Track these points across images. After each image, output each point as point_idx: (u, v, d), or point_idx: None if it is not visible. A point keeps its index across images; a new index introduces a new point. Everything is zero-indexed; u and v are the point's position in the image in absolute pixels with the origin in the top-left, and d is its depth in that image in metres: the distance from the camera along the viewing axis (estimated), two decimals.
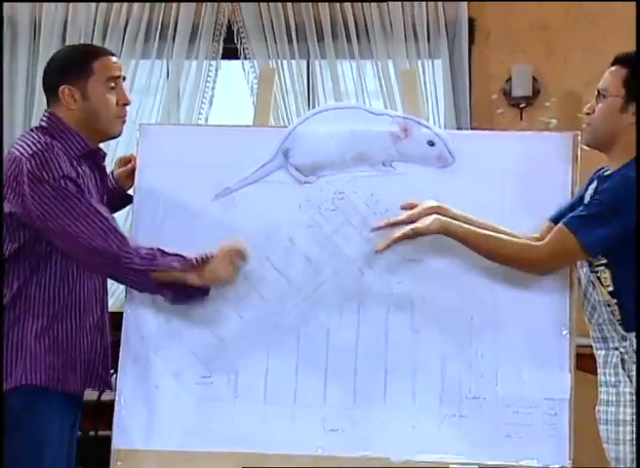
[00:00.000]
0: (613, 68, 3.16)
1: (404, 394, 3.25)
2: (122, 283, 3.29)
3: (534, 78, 5.86)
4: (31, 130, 3.24)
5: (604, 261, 3.07)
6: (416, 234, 3.14)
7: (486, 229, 3.16)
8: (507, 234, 3.17)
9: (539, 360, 3.24)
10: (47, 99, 3.30)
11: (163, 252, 3.13)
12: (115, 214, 3.36)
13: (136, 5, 5.86)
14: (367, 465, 3.20)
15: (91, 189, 3.21)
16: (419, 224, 3.13)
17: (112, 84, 3.25)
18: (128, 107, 3.33)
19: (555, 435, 3.20)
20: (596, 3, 5.73)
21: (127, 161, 3.51)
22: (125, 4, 5.86)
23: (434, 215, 3.14)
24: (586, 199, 3.16)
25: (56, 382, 3.15)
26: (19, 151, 3.12)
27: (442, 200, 3.28)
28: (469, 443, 3.21)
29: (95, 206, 3.09)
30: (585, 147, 3.29)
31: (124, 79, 3.34)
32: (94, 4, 5.85)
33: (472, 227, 3.15)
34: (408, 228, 3.13)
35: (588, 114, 3.18)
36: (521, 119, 5.85)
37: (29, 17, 5.89)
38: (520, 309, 3.27)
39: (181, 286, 3.14)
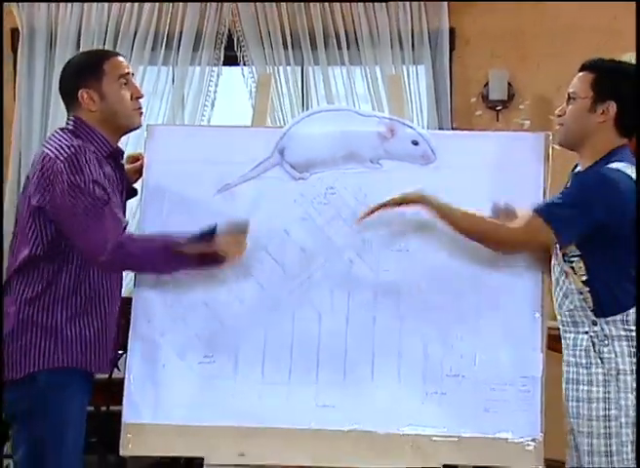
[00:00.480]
0: (581, 74, 3.17)
1: (390, 373, 3.26)
2: (141, 269, 3.27)
3: (509, 83, 5.85)
4: (62, 130, 3.23)
5: (578, 253, 3.07)
6: (395, 203, 3.15)
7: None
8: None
9: (513, 341, 3.25)
10: (66, 104, 3.30)
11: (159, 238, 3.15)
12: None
13: (144, 15, 5.84)
14: (356, 438, 3.21)
15: (114, 189, 3.21)
16: (396, 195, 3.14)
17: (124, 80, 3.25)
18: (141, 100, 3.32)
19: (528, 410, 3.21)
20: (567, 15, 5.72)
21: (135, 158, 3.51)
22: (134, 15, 5.84)
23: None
24: None
25: (82, 365, 3.15)
26: (52, 153, 3.11)
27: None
28: (450, 417, 3.22)
29: (114, 210, 3.07)
30: (557, 146, 3.30)
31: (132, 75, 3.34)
32: (105, 14, 5.84)
33: (450, 204, 3.13)
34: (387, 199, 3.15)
35: (560, 116, 3.19)
36: (497, 120, 5.84)
37: (46, 25, 5.86)
38: (497, 296, 3.29)
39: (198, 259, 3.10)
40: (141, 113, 3.32)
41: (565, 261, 3.11)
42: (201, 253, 3.07)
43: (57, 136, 3.20)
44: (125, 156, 3.43)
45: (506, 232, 3.09)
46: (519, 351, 3.25)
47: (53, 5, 5.85)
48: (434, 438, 3.21)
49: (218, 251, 3.08)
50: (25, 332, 3.11)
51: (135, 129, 3.36)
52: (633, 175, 3.05)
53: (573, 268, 3.09)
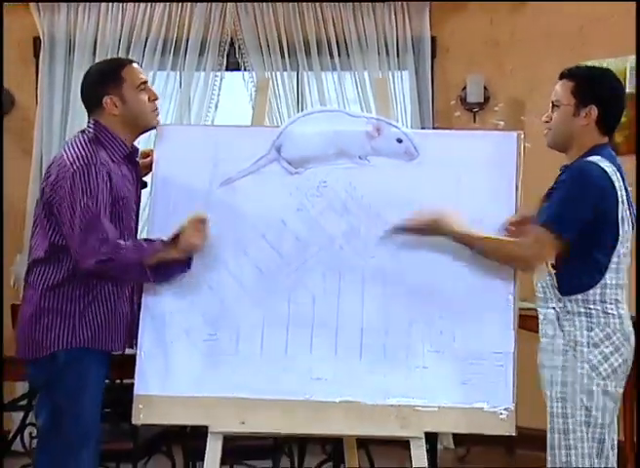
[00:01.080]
0: (561, 82, 3.19)
1: (377, 349, 3.25)
2: (118, 278, 3.21)
3: (485, 87, 5.86)
4: (82, 135, 3.24)
5: None
6: (414, 229, 3.22)
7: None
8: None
9: (488, 321, 3.25)
10: (88, 109, 3.31)
11: (146, 239, 3.18)
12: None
13: (154, 25, 5.85)
14: (346, 408, 3.21)
15: (130, 188, 3.25)
16: (413, 221, 3.20)
17: (142, 86, 3.27)
18: (157, 102, 3.34)
19: (502, 382, 3.21)
20: (538, 26, 5.72)
21: (147, 154, 3.50)
22: (145, 24, 5.84)
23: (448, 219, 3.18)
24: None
25: (97, 345, 3.18)
26: (69, 159, 3.13)
27: (407, 187, 3.31)
28: (431, 389, 3.22)
29: (104, 226, 3.08)
30: (528, 145, 3.32)
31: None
32: (119, 24, 5.83)
33: (470, 230, 3.17)
34: (412, 224, 3.21)
35: (547, 122, 3.21)
36: (474, 121, 5.85)
37: (65, 34, 5.86)
38: (474, 279, 3.28)
39: (164, 266, 3.17)
40: (158, 114, 3.35)
41: None
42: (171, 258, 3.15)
43: (77, 141, 3.21)
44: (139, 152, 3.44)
45: (520, 252, 3.12)
46: (493, 329, 3.24)
47: (71, 15, 5.85)
48: (417, 408, 3.20)
49: (183, 248, 3.15)
50: (47, 317, 3.15)
51: (152, 128, 3.38)
52: (607, 169, 3.07)
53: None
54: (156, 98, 3.32)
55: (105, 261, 3.07)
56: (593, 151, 3.13)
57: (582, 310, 3.08)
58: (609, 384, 3.07)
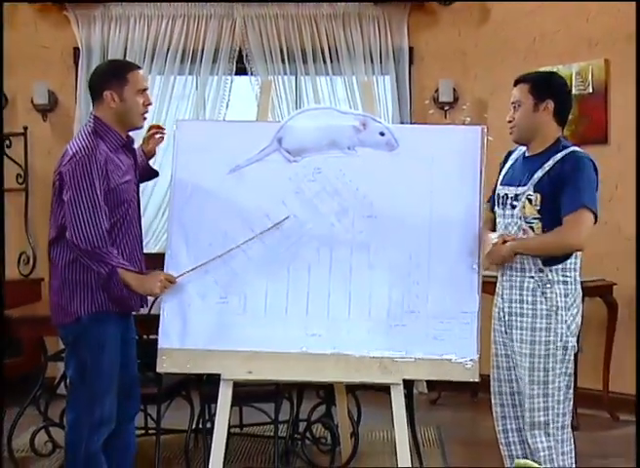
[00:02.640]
0: (517, 86, 3.18)
1: (362, 310, 3.23)
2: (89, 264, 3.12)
3: (454, 89, 5.83)
4: (85, 129, 3.18)
5: (538, 216, 3.07)
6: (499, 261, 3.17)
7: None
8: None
9: (457, 285, 3.22)
10: (91, 98, 3.25)
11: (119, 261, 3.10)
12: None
13: (174, 36, 5.81)
14: (336, 359, 3.19)
15: (128, 169, 3.20)
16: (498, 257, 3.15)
17: (141, 91, 3.21)
18: (150, 107, 3.28)
19: (468, 337, 3.19)
20: (497, 38, 5.70)
21: (157, 127, 3.46)
22: (167, 36, 5.80)
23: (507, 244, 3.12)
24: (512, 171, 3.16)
25: (114, 309, 3.15)
26: (72, 149, 3.10)
27: (389, 173, 3.29)
28: (408, 343, 3.20)
29: (95, 212, 3.02)
30: (490, 138, 3.29)
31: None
32: (145, 35, 5.78)
33: (526, 242, 3.09)
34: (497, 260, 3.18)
35: (510, 121, 3.18)
36: (445, 117, 5.82)
37: (100, 44, 5.82)
38: (444, 250, 3.25)
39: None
40: (145, 118, 3.27)
41: (526, 222, 3.09)
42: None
43: (79, 135, 3.17)
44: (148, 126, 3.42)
45: (571, 239, 3.02)
46: (461, 293, 3.22)
47: (105, 28, 5.82)
48: (396, 359, 3.18)
49: (142, 292, 3.15)
50: (68, 288, 3.12)
51: (139, 128, 3.30)
52: (590, 156, 3.09)
53: (532, 227, 3.07)
54: (149, 104, 3.25)
55: (84, 254, 3.04)
56: (563, 143, 3.11)
57: (561, 278, 3.07)
58: (573, 340, 3.09)
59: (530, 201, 3.07)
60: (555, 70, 5.21)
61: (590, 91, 5.21)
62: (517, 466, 1.63)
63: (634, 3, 4.86)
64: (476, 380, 3.19)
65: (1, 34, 5.37)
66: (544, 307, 3.07)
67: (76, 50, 5.87)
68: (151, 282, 3.14)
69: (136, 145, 3.34)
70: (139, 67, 3.28)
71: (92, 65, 5.79)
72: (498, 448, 3.31)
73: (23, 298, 5.01)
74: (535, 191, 3.06)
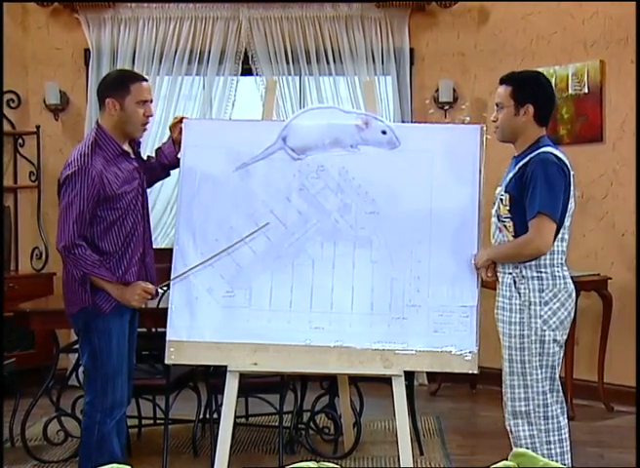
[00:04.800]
0: (502, 87, 3.15)
1: (365, 303, 3.22)
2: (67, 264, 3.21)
3: (454, 89, 5.80)
4: (89, 138, 3.20)
5: (510, 216, 3.07)
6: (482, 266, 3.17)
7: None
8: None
9: (456, 280, 3.21)
10: (99, 107, 3.27)
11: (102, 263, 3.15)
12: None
13: (182, 38, 5.78)
14: (339, 352, 3.18)
15: (131, 175, 3.21)
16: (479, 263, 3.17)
17: (142, 103, 3.21)
18: (151, 118, 3.29)
19: (467, 330, 3.19)
20: (496, 39, 5.66)
21: (179, 120, 3.44)
22: (175, 37, 5.77)
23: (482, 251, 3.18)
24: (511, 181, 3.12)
25: (112, 302, 3.20)
26: (72, 157, 3.15)
27: (391, 171, 3.27)
28: (409, 336, 3.19)
29: (78, 223, 3.08)
30: (489, 136, 3.28)
31: (151, 101, 3.28)
32: (154, 37, 5.77)
33: (492, 253, 3.13)
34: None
35: (494, 121, 3.17)
36: (445, 117, 5.79)
37: (109, 46, 5.79)
38: (445, 246, 3.24)
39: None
40: (145, 129, 3.29)
41: (500, 221, 3.10)
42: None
43: (82, 144, 3.21)
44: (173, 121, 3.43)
45: (532, 247, 3.01)
46: (461, 287, 3.21)
47: (115, 31, 5.78)
48: (397, 351, 3.17)
49: (121, 299, 3.18)
50: (72, 281, 3.20)
51: (137, 139, 3.32)
52: (560, 156, 3.06)
53: (505, 226, 3.08)
54: (150, 115, 3.26)
55: (61, 255, 3.13)
56: (541, 143, 3.09)
57: (535, 274, 3.04)
58: (557, 334, 3.06)
59: (502, 201, 3.08)
60: (552, 71, 5.25)
61: (586, 91, 5.19)
62: (516, 454, 1.61)
63: (628, 6, 4.85)
64: (475, 372, 3.19)
65: (1, 34, 5.38)
66: (518, 302, 3.06)
67: (87, 51, 5.85)
68: (130, 293, 3.18)
69: (142, 148, 3.37)
70: (144, 79, 3.28)
71: (102, 66, 5.78)
72: (495, 438, 3.31)
73: (36, 292, 5.02)
74: (505, 191, 3.08)
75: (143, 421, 4.43)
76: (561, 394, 3.10)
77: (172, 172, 3.53)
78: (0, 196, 5.33)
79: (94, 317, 3.17)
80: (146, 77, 3.39)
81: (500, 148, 3.33)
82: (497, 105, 3.15)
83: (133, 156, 3.29)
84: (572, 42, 5.31)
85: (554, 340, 3.04)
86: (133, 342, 3.35)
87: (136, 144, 3.30)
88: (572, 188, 3.05)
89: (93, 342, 3.19)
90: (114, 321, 3.18)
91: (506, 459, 1.61)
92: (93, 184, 3.08)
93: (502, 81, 3.15)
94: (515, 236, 3.07)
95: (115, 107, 3.16)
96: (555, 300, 3.04)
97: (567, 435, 3.10)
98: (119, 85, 3.18)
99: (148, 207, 3.37)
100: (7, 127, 5.75)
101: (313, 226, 3.28)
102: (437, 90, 5.81)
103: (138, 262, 3.25)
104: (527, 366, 3.05)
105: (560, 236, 3.05)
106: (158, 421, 4.35)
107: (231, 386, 3.19)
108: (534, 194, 2.98)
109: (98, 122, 3.23)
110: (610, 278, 5.00)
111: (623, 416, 4.81)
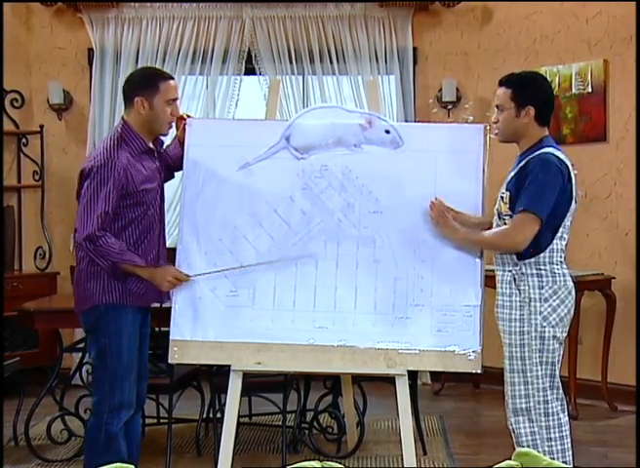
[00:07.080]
0: (501, 89, 3.15)
1: (368, 303, 3.22)
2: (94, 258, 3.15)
3: (457, 89, 5.80)
4: (114, 133, 3.19)
5: (510, 214, 3.06)
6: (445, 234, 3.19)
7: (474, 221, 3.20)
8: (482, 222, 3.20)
9: (460, 279, 3.21)
10: (124, 102, 3.26)
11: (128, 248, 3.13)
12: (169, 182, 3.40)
13: (185, 38, 5.78)
14: (343, 351, 3.18)
15: (153, 176, 3.21)
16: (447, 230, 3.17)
17: (171, 101, 3.21)
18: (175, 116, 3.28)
19: (470, 330, 3.18)
20: (499, 39, 5.66)
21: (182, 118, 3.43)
22: (178, 37, 5.77)
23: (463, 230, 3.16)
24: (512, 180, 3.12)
25: (128, 301, 3.18)
26: (95, 152, 3.15)
27: (394, 170, 3.27)
28: (412, 335, 3.19)
29: (101, 217, 3.05)
30: (491, 135, 3.29)
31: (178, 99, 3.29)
32: (157, 37, 5.77)
33: (472, 235, 3.15)
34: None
35: (495, 123, 3.18)
36: (449, 116, 5.79)
37: (113, 46, 5.80)
38: (448, 245, 3.23)
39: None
40: (171, 127, 3.29)
41: (500, 218, 3.10)
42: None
43: (106, 140, 3.20)
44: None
45: (510, 240, 3.03)
46: (464, 286, 3.20)
47: (118, 30, 5.78)
48: (400, 351, 3.17)
49: (153, 279, 3.15)
50: (86, 279, 3.17)
51: (164, 135, 3.32)
52: (561, 156, 3.06)
53: (505, 223, 3.09)
54: (177, 114, 3.26)
55: (83, 249, 3.09)
56: (544, 143, 3.09)
57: (535, 272, 3.05)
58: (557, 330, 3.06)
59: (502, 198, 3.09)
60: (555, 70, 5.24)
61: (590, 90, 5.18)
62: (519, 454, 1.61)
63: (632, 5, 4.84)
64: (479, 372, 3.18)
65: (1, 33, 5.38)
66: (518, 299, 3.07)
67: (90, 51, 5.86)
68: (160, 277, 3.16)
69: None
70: (172, 77, 3.28)
71: (105, 66, 5.79)
72: (499, 437, 3.31)
73: (40, 291, 5.03)
74: (506, 189, 3.09)
75: (147, 420, 4.43)
76: (561, 391, 3.10)
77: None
78: (0, 196, 5.33)
79: (105, 315, 3.14)
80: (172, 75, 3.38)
81: (505, 148, 3.33)
82: (497, 107, 3.15)
83: (156, 155, 3.28)
84: (575, 41, 5.31)
85: (554, 337, 3.05)
86: (145, 344, 3.31)
87: (159, 144, 3.29)
88: (573, 188, 3.05)
89: (102, 341, 3.15)
90: (126, 320, 3.15)
91: (510, 459, 1.61)
92: (119, 178, 3.07)
93: (502, 83, 3.14)
94: None
95: (144, 106, 3.16)
96: (555, 297, 3.05)
97: (568, 432, 3.10)
98: (148, 83, 3.17)
99: (164, 209, 3.36)
100: (11, 126, 5.76)
101: (317, 226, 3.28)
102: (440, 89, 5.80)
103: (152, 261, 3.23)
104: (527, 362, 3.05)
105: (559, 234, 3.06)
106: (162, 421, 4.35)
107: (235, 385, 3.19)
108: (525, 191, 3.00)
109: (123, 118, 3.21)
110: (613, 277, 4.99)
111: (627, 416, 4.80)
